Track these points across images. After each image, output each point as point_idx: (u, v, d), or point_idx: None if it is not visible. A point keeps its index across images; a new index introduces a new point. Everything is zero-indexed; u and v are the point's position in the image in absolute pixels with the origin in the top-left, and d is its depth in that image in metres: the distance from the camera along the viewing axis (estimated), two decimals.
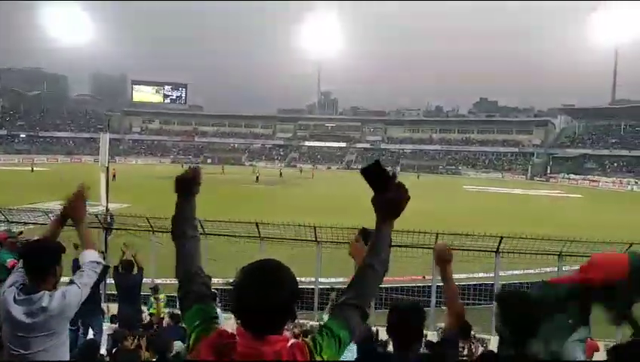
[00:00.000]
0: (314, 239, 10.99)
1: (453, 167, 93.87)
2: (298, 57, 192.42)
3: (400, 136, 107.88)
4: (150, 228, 11.71)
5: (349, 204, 35.14)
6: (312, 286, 11.57)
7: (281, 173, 68.74)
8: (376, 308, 11.57)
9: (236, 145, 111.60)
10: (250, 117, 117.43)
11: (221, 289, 9.94)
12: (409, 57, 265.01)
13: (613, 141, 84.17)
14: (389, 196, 1.82)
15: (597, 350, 8.07)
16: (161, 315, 9.35)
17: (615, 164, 79.07)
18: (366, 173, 1.87)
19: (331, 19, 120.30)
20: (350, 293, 1.76)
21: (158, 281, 10.87)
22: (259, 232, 10.95)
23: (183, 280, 1.86)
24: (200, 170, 2.10)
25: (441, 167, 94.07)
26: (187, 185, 2.03)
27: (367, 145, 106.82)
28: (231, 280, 1.63)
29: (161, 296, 9.87)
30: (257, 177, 55.45)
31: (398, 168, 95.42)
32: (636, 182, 68.47)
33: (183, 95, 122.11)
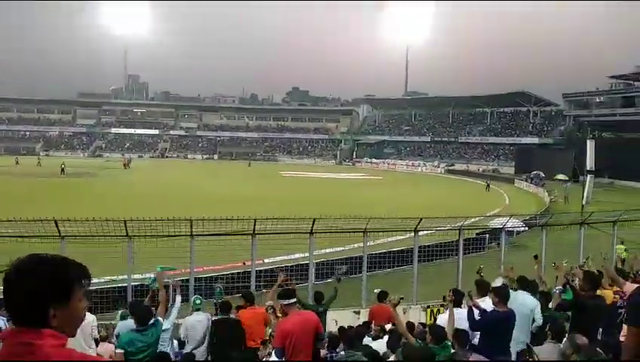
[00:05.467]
0: (125, 234, 10.19)
1: (270, 154, 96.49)
2: (100, 35, 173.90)
3: (216, 123, 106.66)
4: None
5: (165, 194, 33.67)
6: (125, 284, 10.76)
7: (130, 163, 62.83)
8: (206, 298, 11.32)
9: (28, 133, 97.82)
10: (44, 101, 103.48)
11: None
12: (222, 44, 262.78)
13: (407, 128, 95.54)
14: None
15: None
16: None
17: (408, 149, 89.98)
18: None
19: None
20: None
21: None
22: (58, 230, 9.75)
23: None
24: None
25: (258, 153, 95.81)
26: None
27: (182, 133, 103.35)
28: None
29: None
30: (63, 169, 49.17)
31: (216, 156, 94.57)
32: (425, 165, 79.02)
33: None
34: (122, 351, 5.39)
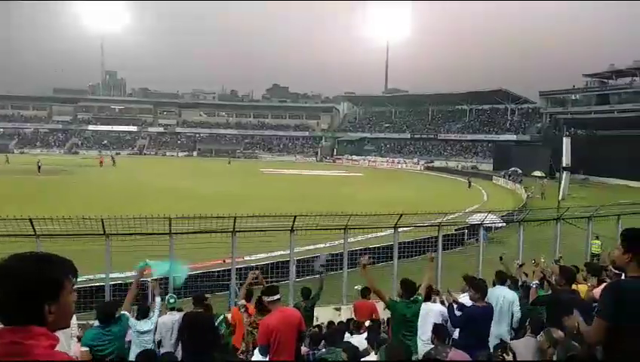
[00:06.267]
0: (102, 233, 10.03)
1: (250, 151, 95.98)
2: (77, 31, 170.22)
3: (196, 119, 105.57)
4: None
5: (143, 192, 33.26)
6: (103, 284, 10.60)
7: (114, 160, 63.36)
8: (186, 296, 11.22)
9: (2, 130, 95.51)
10: (19, 97, 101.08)
11: None
12: (201, 40, 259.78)
13: (387, 125, 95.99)
14: None
15: (373, 311, 8.66)
16: None
17: (388, 146, 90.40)
18: None
19: None
20: None
21: None
22: (34, 229, 9.55)
23: None
24: None
25: (238, 151, 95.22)
26: None
27: (161, 130, 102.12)
28: None
29: None
30: (39, 166, 48.24)
31: (195, 153, 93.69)
32: (405, 162, 79.56)
33: None
34: (87, 349, 5.49)
